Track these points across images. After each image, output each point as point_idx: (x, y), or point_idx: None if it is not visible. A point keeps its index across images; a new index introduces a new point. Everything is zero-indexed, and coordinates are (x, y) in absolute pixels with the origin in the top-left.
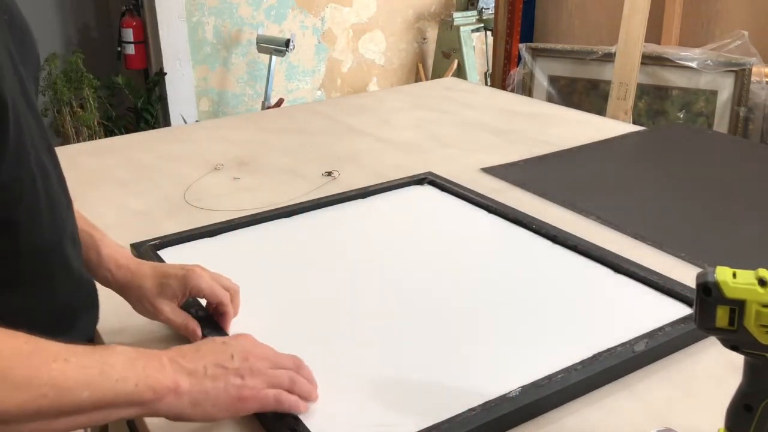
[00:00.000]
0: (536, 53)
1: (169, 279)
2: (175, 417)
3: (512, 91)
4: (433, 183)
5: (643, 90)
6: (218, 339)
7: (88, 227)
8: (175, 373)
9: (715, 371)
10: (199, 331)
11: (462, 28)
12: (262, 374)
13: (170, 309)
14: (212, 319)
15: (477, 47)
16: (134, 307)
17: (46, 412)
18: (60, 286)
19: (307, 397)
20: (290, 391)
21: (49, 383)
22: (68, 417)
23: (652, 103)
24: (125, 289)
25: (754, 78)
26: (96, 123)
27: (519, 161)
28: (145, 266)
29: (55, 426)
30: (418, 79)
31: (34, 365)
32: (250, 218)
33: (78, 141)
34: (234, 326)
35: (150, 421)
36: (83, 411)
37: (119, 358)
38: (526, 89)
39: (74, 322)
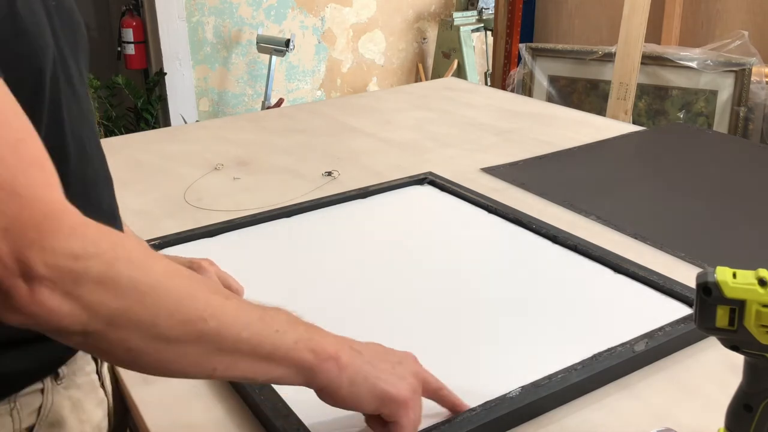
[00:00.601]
0: (536, 53)
1: None
2: (330, 392)
3: (512, 91)
4: (433, 183)
5: (643, 90)
6: (386, 346)
7: None
8: (339, 345)
9: (715, 371)
10: None
11: (462, 28)
12: (418, 397)
13: None
14: None
15: (477, 47)
16: None
17: (207, 340)
18: None
19: None
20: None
21: (208, 310)
22: (228, 356)
23: (652, 103)
24: None
25: (754, 78)
26: (96, 123)
27: (519, 161)
28: None
29: (215, 364)
30: (418, 79)
31: (194, 288)
32: (250, 218)
33: None
34: None
35: (150, 422)
36: (242, 354)
37: (281, 315)
38: (526, 89)
39: None
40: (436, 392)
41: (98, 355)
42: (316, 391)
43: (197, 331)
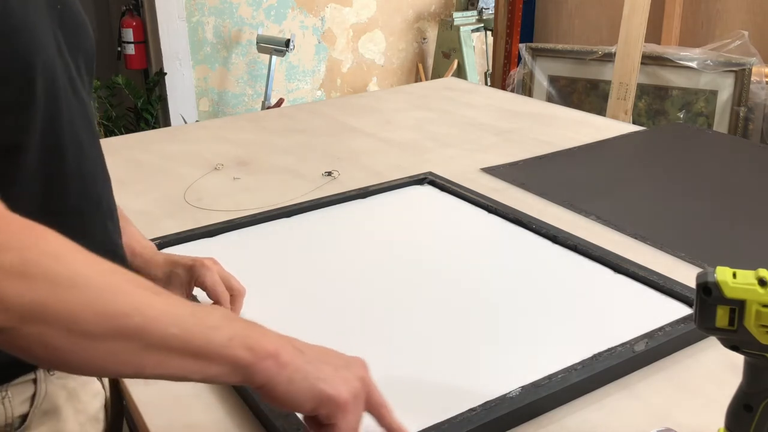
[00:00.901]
0: (536, 53)
1: (177, 268)
2: (267, 390)
3: (512, 91)
4: (433, 183)
5: (643, 90)
6: (335, 350)
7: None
8: (280, 342)
9: (715, 371)
10: None
11: (462, 28)
12: (360, 403)
13: None
14: None
15: (477, 47)
16: None
17: (132, 336)
18: None
19: None
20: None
21: (132, 304)
22: (156, 354)
23: (652, 103)
24: None
25: (754, 78)
26: (96, 123)
27: (519, 161)
28: (159, 256)
29: (144, 362)
30: (418, 79)
31: (117, 282)
32: (250, 218)
33: None
34: None
35: (150, 422)
36: (172, 351)
37: (217, 312)
38: (526, 89)
39: None
40: (377, 408)
41: (19, 353)
42: (256, 390)
43: (120, 326)
